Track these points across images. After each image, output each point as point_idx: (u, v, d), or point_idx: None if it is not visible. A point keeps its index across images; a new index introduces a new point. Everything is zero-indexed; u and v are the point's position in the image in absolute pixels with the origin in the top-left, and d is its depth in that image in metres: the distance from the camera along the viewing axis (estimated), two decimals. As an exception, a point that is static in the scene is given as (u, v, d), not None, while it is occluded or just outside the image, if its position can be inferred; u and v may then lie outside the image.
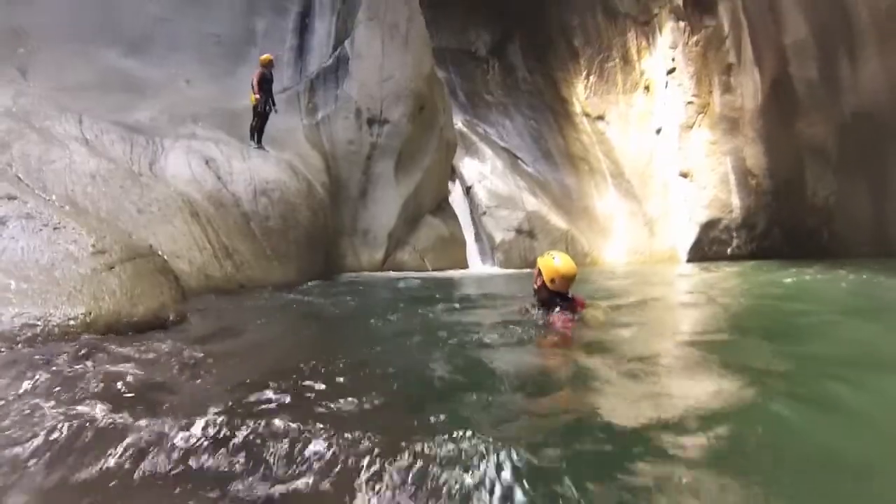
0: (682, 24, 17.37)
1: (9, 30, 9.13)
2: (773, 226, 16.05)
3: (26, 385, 2.40)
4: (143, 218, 6.24)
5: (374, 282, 9.38)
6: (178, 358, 3.19)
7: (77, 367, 2.81)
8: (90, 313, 4.02)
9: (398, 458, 1.67)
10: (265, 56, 10.43)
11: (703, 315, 5.70)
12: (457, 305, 5.83)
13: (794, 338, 4.07)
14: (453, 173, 16.24)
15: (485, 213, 16.01)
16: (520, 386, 2.68)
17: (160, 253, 5.66)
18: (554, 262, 4.42)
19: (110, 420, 1.94)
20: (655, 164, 18.17)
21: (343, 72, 11.68)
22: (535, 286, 4.55)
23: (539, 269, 4.51)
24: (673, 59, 17.68)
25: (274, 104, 10.11)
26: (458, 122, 17.36)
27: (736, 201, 16.70)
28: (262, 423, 1.90)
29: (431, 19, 14.24)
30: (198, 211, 7.18)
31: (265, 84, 9.97)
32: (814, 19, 14.05)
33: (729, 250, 16.80)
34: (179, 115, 9.37)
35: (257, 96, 9.76)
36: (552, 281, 4.42)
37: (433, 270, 12.49)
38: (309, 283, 8.33)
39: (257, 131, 10.06)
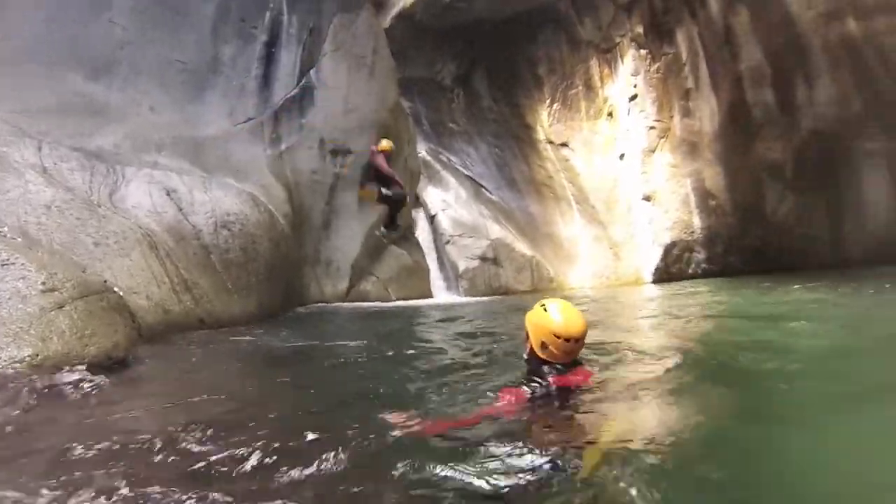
0: (643, 51, 17.81)
1: (-31, 52, 9.04)
2: (734, 244, 16.55)
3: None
4: (99, 251, 6.18)
5: (332, 317, 9.35)
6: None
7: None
8: (37, 355, 3.99)
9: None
10: (387, 143, 11.34)
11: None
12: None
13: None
14: (417, 202, 16.32)
15: (449, 241, 16.10)
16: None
17: (116, 289, 5.63)
18: (549, 317, 3.12)
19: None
20: (619, 189, 18.48)
21: (308, 102, 11.74)
22: (525, 353, 3.35)
23: (526, 330, 3.26)
24: (635, 86, 18.11)
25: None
26: (423, 151, 17.50)
27: (697, 222, 17.13)
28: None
29: (398, 50, 14.41)
30: (157, 244, 7.14)
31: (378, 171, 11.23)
32: (768, 47, 14.80)
33: (692, 270, 17.21)
34: (142, 142, 9.31)
35: (380, 189, 10.92)
36: (543, 346, 3.12)
37: (397, 300, 12.52)
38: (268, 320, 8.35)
39: (391, 218, 11.36)
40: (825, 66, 13.84)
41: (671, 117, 17.44)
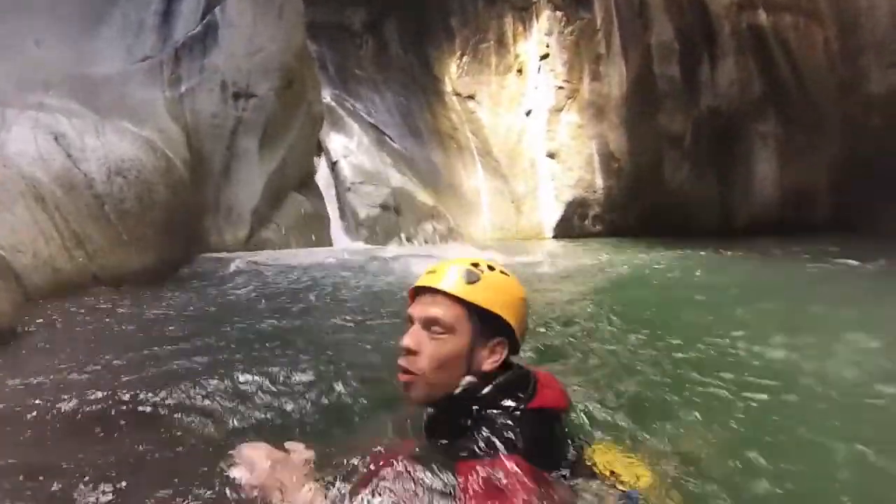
0: (558, 13, 18.07)
1: None
2: (633, 206, 17.35)
3: None
4: (-21, 207, 5.91)
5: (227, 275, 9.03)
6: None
7: None
8: None
9: None
10: None
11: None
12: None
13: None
14: (319, 149, 16.09)
15: (350, 188, 16.00)
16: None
17: (-2, 250, 5.42)
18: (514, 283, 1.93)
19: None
20: (523, 145, 18.89)
21: (211, 41, 11.24)
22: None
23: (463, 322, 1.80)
24: (547, 46, 18.40)
25: None
26: (327, 97, 17.11)
27: (599, 182, 17.85)
28: None
29: (307, -8, 13.92)
30: (44, 195, 6.82)
31: None
32: (679, 24, 15.57)
33: (593, 228, 18.01)
34: (27, 81, 8.72)
35: None
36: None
37: (297, 248, 12.49)
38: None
39: None
40: (730, 50, 14.85)
41: (580, 79, 17.89)
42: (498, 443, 1.58)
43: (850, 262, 8.12)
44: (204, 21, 11.31)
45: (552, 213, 18.35)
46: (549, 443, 1.71)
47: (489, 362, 1.82)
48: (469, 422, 1.70)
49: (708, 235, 13.98)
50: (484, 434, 1.60)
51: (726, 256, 10.63)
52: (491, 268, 1.88)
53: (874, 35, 13.27)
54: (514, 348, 1.91)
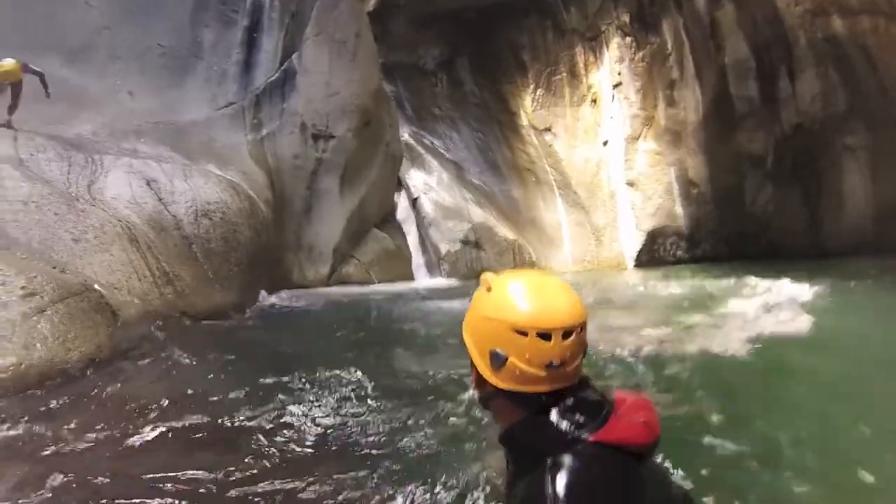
0: (628, 39, 17.82)
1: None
2: (715, 232, 16.75)
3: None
4: (78, 247, 6.15)
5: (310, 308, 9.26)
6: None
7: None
8: (21, 364, 3.99)
9: None
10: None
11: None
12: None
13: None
14: (399, 185, 16.32)
15: (431, 224, 16.12)
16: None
17: (97, 286, 5.62)
18: (505, 300, 1.44)
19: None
20: (602, 175, 18.57)
21: (289, 87, 11.67)
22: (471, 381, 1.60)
23: (465, 337, 1.57)
24: (619, 74, 18.12)
25: None
26: (405, 135, 17.44)
27: (679, 210, 17.29)
28: None
29: (380, 35, 14.30)
30: (137, 236, 7.11)
31: None
32: (754, 41, 15.08)
33: (672, 255, 17.39)
34: (121, 130, 9.23)
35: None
36: (501, 365, 1.42)
37: (379, 283, 12.58)
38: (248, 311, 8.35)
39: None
40: (809, 62, 14.24)
41: (655, 106, 17.53)
42: None
43: None
44: (282, 68, 11.73)
45: (633, 243, 17.88)
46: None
47: None
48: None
49: (797, 258, 13.32)
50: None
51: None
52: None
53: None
54: None
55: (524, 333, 1.41)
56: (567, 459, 1.29)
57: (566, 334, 1.42)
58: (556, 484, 1.25)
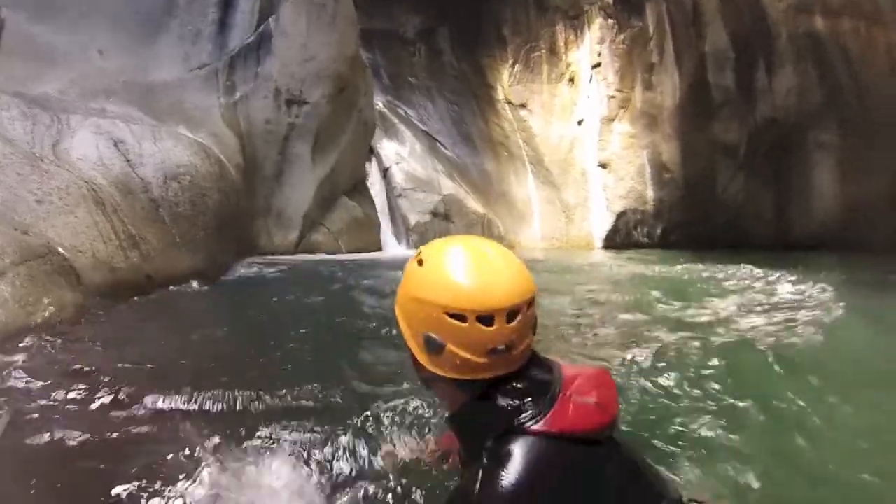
0: (610, 21, 17.92)
1: None
2: (684, 218, 17.06)
3: None
4: (42, 209, 6.07)
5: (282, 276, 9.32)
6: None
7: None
8: (-21, 327, 4.01)
9: None
10: None
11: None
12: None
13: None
14: (371, 154, 16.28)
15: (401, 194, 16.15)
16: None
17: (60, 249, 5.62)
18: (441, 273, 1.32)
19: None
20: (575, 154, 18.75)
21: (265, 50, 11.50)
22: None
23: (397, 317, 1.46)
24: (599, 54, 18.26)
25: None
26: (380, 104, 17.33)
27: (651, 193, 17.59)
28: None
29: (361, 1, 14.10)
30: (103, 199, 7.05)
31: None
32: (736, 31, 15.30)
33: (642, 239, 17.79)
34: (90, 89, 9.05)
35: None
36: (438, 351, 1.34)
37: (347, 252, 12.65)
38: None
39: None
40: (789, 57, 14.51)
41: (632, 88, 17.69)
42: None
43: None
44: (258, 30, 11.56)
45: (602, 224, 18.18)
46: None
47: None
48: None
49: (763, 249, 13.57)
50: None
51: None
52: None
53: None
54: None
55: (462, 318, 1.28)
56: (503, 456, 1.21)
57: (511, 315, 1.29)
58: (485, 487, 1.19)
